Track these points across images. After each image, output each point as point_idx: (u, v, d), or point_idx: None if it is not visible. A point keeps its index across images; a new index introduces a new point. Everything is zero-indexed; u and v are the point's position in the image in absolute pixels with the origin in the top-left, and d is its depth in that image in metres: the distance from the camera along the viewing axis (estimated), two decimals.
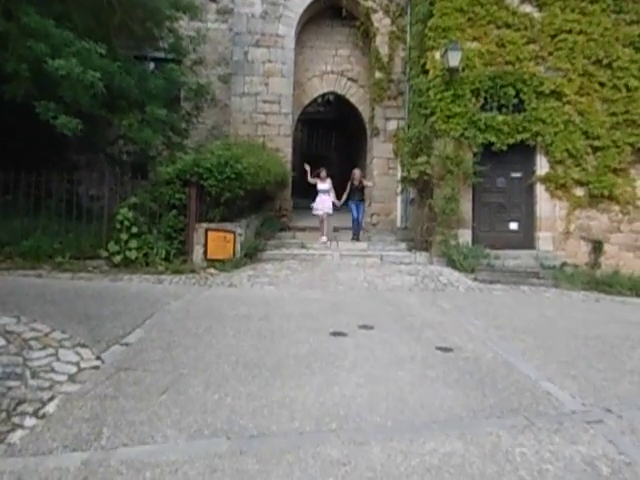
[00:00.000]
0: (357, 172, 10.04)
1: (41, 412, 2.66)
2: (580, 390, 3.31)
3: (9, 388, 2.80)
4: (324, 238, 9.37)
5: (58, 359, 3.26)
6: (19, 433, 2.46)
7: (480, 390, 3.23)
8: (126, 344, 3.77)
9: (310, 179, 9.94)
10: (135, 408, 2.76)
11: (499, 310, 5.85)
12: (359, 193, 9.91)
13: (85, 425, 2.56)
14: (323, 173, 9.81)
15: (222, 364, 3.48)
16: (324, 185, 9.74)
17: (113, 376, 3.18)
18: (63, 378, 3.06)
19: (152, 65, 9.12)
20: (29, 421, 2.57)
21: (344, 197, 9.91)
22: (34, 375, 3.01)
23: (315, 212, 9.65)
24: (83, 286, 5.69)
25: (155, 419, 2.65)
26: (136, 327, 4.17)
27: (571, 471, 2.28)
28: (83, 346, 3.54)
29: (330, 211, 9.61)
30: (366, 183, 10.13)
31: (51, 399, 2.80)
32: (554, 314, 5.81)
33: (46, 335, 3.56)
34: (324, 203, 9.57)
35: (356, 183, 9.82)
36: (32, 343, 3.37)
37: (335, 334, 4.32)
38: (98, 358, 3.43)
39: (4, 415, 2.57)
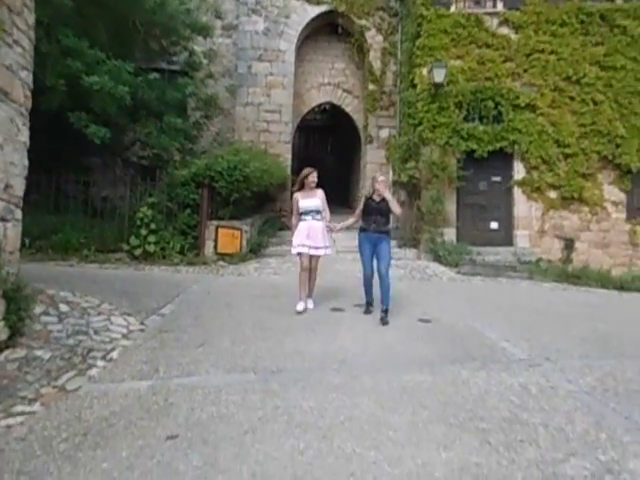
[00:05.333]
0: (381, 178, 5.08)
1: (108, 357, 3.44)
2: (530, 347, 4.15)
3: (80, 341, 3.58)
4: (300, 305, 4.92)
5: (111, 323, 4.05)
6: (94, 370, 3.24)
7: (450, 346, 4.06)
8: (162, 314, 4.57)
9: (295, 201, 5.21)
10: (180, 355, 3.56)
11: (475, 294, 6.70)
12: (381, 217, 4.96)
13: (144, 365, 3.35)
14: (312, 176, 5.08)
15: (243, 328, 4.29)
16: (312, 201, 5.03)
17: (157, 336, 3.98)
18: (118, 336, 3.86)
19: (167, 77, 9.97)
20: (100, 362, 3.35)
21: (351, 220, 5.27)
22: (96, 333, 3.80)
23: (296, 250, 5.02)
24: (113, 273, 6.50)
25: (197, 362, 3.45)
26: (167, 303, 4.97)
27: (509, 390, 3.12)
28: (129, 314, 4.34)
29: (324, 251, 5.07)
30: (394, 208, 4.98)
31: (113, 349, 3.59)
32: (523, 298, 6.67)
33: (98, 306, 4.35)
34: (312, 235, 4.95)
35: (377, 198, 4.95)
36: (89, 311, 4.16)
37: (334, 309, 5.15)
38: (142, 323, 4.23)
39: (80, 358, 3.35)
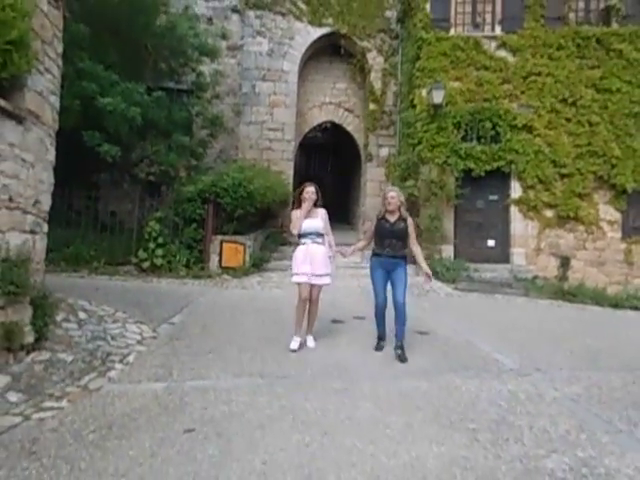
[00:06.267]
0: (391, 194, 4.30)
1: (125, 361, 3.68)
2: (521, 359, 4.37)
3: (99, 345, 3.83)
4: (295, 342, 4.25)
5: (126, 330, 4.30)
6: (113, 372, 3.47)
7: (445, 357, 4.29)
8: (172, 323, 4.82)
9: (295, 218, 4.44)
10: (191, 361, 3.79)
11: (471, 310, 6.93)
12: (397, 241, 4.31)
13: (158, 369, 3.59)
14: (309, 192, 4.39)
15: (249, 338, 4.52)
16: (312, 222, 4.36)
17: (169, 343, 4.22)
18: (133, 342, 4.10)
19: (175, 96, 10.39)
20: (118, 365, 3.59)
21: (361, 244, 4.71)
22: (113, 338, 4.04)
23: (296, 280, 4.35)
24: (123, 285, 6.75)
25: (207, 367, 3.68)
26: (176, 313, 5.22)
27: (499, 396, 3.34)
28: (142, 323, 4.58)
29: (325, 280, 4.35)
30: (413, 238, 4.40)
31: (129, 354, 3.83)
32: (518, 314, 6.90)
33: (113, 314, 4.60)
34: (312, 261, 4.27)
35: (391, 218, 4.31)
36: (106, 319, 4.41)
37: (334, 321, 5.39)
38: (154, 331, 4.47)
39: (100, 361, 3.59)
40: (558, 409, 3.15)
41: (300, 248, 4.40)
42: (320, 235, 4.39)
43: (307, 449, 2.39)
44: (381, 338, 4.45)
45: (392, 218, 4.30)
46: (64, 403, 2.81)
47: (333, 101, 13.57)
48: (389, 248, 4.27)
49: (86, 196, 8.74)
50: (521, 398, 3.33)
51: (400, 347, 4.17)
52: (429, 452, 2.44)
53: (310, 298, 4.36)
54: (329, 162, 20.54)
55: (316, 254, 4.30)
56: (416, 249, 4.45)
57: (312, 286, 4.32)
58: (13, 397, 2.79)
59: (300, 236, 4.40)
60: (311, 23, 12.60)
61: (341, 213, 14.43)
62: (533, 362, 4.28)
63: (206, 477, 2.09)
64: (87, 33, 7.43)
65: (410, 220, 4.35)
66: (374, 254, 4.41)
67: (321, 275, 4.31)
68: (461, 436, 2.65)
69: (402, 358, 4.05)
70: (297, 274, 4.32)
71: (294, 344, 4.24)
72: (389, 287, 4.39)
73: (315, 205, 4.42)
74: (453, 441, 2.58)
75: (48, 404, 2.78)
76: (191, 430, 2.54)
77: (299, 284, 4.33)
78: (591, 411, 3.16)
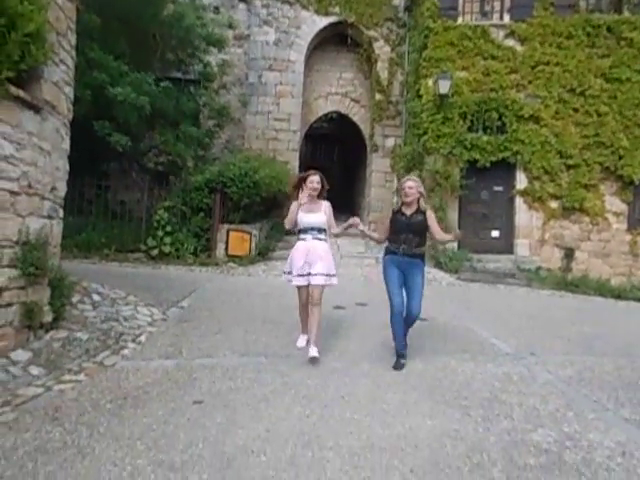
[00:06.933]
0: (409, 183, 3.83)
1: (137, 340, 3.87)
2: (517, 344, 4.51)
3: (112, 326, 4.03)
4: (302, 339, 4.01)
5: (137, 312, 4.50)
6: (126, 350, 3.67)
7: (443, 341, 4.44)
8: (181, 307, 5.01)
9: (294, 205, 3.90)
10: (199, 341, 3.98)
11: (472, 299, 7.05)
12: (414, 236, 3.79)
13: (169, 347, 3.77)
14: (314, 181, 3.82)
15: (254, 321, 4.70)
16: (315, 217, 3.82)
17: (178, 324, 4.41)
18: (144, 323, 4.29)
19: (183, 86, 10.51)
20: (131, 344, 3.78)
21: (376, 235, 4.23)
22: (125, 320, 4.24)
23: (294, 282, 3.84)
24: (133, 271, 6.97)
25: (215, 347, 3.87)
26: (184, 297, 5.41)
27: (493, 377, 3.49)
28: (152, 306, 4.78)
29: (328, 280, 3.81)
30: (435, 228, 3.84)
31: (141, 334, 4.02)
32: (518, 303, 7.02)
33: (124, 297, 4.80)
34: (313, 259, 3.75)
35: (408, 211, 3.83)
36: (118, 301, 4.61)
37: (336, 307, 5.54)
38: (164, 314, 4.67)
39: (114, 340, 3.78)
40: (549, 390, 3.30)
41: (299, 245, 3.79)
42: (323, 231, 3.83)
43: (308, 420, 2.56)
44: (401, 355, 3.67)
45: (409, 211, 3.79)
46: (82, 377, 3.01)
47: (339, 91, 13.55)
48: (405, 245, 3.73)
49: (96, 185, 8.94)
50: (514, 379, 3.48)
51: (402, 355, 3.69)
52: (422, 425, 2.60)
53: (311, 301, 3.74)
54: (334, 153, 20.55)
55: (318, 252, 3.71)
56: (441, 234, 3.87)
57: (312, 288, 3.72)
58: (35, 371, 3.00)
59: (300, 231, 3.85)
60: (317, 12, 12.56)
61: (345, 204, 14.51)
62: (529, 347, 4.41)
63: (214, 441, 2.27)
64: (98, 23, 7.55)
65: (430, 212, 3.84)
66: (388, 252, 3.86)
67: (321, 275, 3.70)
68: (453, 411, 2.81)
69: (397, 365, 3.58)
70: (294, 276, 3.74)
71: (300, 342, 3.97)
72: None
73: (319, 197, 3.84)
74: (446, 416, 2.74)
75: (67, 377, 2.98)
76: (200, 402, 2.72)
77: (298, 288, 3.80)
78: (581, 392, 3.30)
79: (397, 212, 3.91)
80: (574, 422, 2.75)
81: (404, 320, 3.72)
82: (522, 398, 3.09)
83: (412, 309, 3.71)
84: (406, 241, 3.76)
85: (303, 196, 3.81)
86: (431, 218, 3.84)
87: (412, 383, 3.27)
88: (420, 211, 3.81)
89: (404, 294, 3.75)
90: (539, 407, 2.96)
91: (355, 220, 3.92)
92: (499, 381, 3.41)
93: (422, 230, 3.81)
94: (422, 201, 3.84)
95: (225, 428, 2.41)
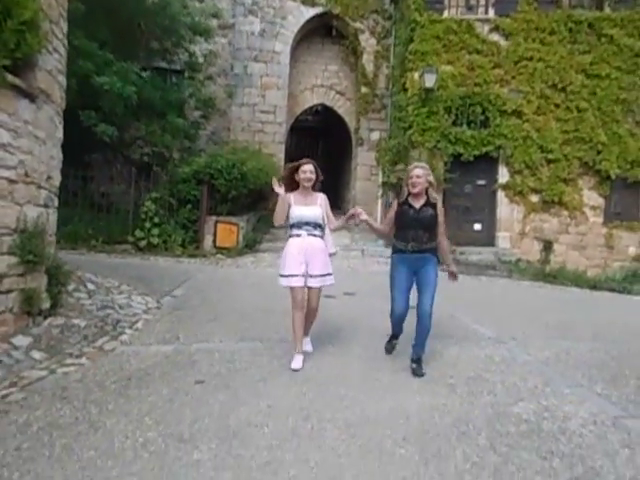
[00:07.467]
0: (420, 172, 3.37)
1: (134, 327, 3.96)
2: (499, 330, 4.74)
3: (108, 313, 4.09)
4: (297, 361, 3.26)
5: (132, 300, 4.57)
6: (124, 336, 3.75)
7: None
8: (174, 296, 5.10)
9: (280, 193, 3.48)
10: (195, 327, 4.08)
11: (455, 288, 7.20)
12: (424, 232, 3.36)
13: (166, 334, 3.87)
14: (307, 171, 3.43)
15: (246, 308, 4.82)
16: (310, 210, 3.43)
17: (172, 312, 4.50)
18: (139, 311, 4.37)
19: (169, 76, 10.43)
20: (128, 331, 3.86)
21: (378, 226, 3.89)
22: (121, 308, 4.31)
23: (287, 283, 3.41)
24: (123, 261, 6.99)
25: (211, 332, 3.98)
26: (176, 287, 5.49)
27: (477, 359, 3.70)
28: (146, 295, 4.85)
29: (327, 280, 3.46)
30: (442, 230, 3.45)
31: (137, 321, 4.10)
32: (500, 293, 7.30)
33: (118, 286, 4.87)
34: (309, 258, 3.37)
35: (417, 204, 3.39)
36: (112, 290, 4.67)
37: (326, 297, 5.66)
38: (158, 302, 4.75)
39: (111, 327, 3.86)
40: (528, 369, 3.52)
41: (293, 242, 3.39)
42: (318, 226, 3.42)
43: (305, 397, 2.71)
44: (395, 336, 3.65)
45: (417, 203, 3.36)
46: (84, 360, 3.09)
47: (325, 83, 13.54)
48: (414, 242, 3.32)
49: (81, 176, 8.85)
50: (496, 360, 3.69)
51: (417, 361, 3.32)
52: (412, 400, 2.78)
53: (308, 305, 3.43)
54: (319, 146, 20.60)
55: (314, 249, 3.35)
56: (444, 242, 3.46)
57: (310, 290, 3.40)
58: (36, 355, 3.07)
59: (292, 226, 3.43)
60: (304, 3, 12.45)
61: (331, 198, 14.57)
62: (510, 332, 4.65)
63: (219, 416, 2.40)
64: (82, 11, 7.45)
65: (440, 205, 3.40)
66: (395, 250, 3.48)
67: (319, 275, 3.36)
68: (441, 389, 3.00)
69: (417, 372, 3.23)
70: (288, 276, 3.33)
71: (296, 363, 3.23)
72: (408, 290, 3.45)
73: (313, 188, 3.46)
74: (434, 392, 2.92)
75: (69, 361, 3.06)
76: (201, 382, 2.84)
77: (292, 289, 3.34)
78: (557, 371, 3.53)
79: (403, 204, 3.42)
80: (551, 396, 2.97)
81: (417, 324, 3.36)
82: (504, 376, 3.30)
83: (423, 306, 3.31)
84: (415, 238, 3.32)
85: (294, 195, 3.43)
86: (442, 214, 3.41)
87: (401, 365, 3.44)
88: (430, 203, 3.36)
89: (410, 294, 3.43)
90: (519, 384, 3.17)
91: (357, 210, 3.42)
92: (482, 362, 3.62)
93: (433, 225, 3.36)
94: (432, 192, 3.40)
95: (228, 405, 2.54)
